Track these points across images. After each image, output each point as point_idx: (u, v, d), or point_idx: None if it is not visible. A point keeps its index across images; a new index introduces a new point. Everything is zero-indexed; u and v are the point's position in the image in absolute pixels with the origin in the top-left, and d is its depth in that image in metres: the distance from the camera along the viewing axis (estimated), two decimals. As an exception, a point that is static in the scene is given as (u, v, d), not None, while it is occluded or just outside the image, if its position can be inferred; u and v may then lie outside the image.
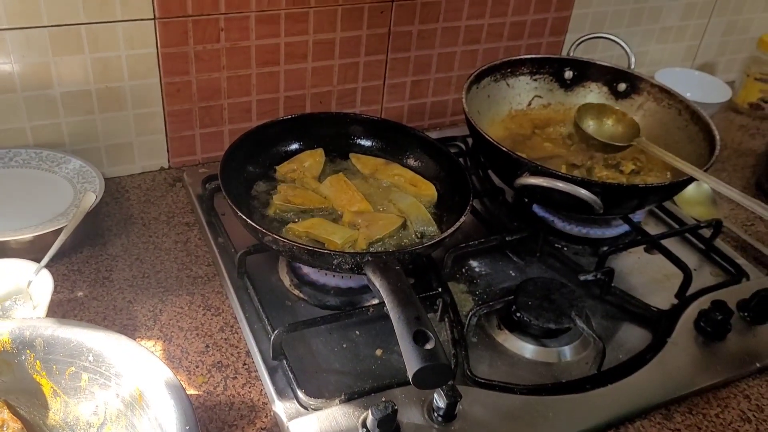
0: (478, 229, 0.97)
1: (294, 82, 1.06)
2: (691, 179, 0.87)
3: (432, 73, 1.17)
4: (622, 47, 1.09)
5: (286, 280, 0.85)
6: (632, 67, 1.09)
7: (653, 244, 0.94)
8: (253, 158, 0.91)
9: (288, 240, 0.74)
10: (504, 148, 0.86)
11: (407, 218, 0.86)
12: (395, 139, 0.98)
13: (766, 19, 1.46)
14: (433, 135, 1.18)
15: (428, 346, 0.57)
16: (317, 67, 1.07)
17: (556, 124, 1.09)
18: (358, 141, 0.99)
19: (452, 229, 0.80)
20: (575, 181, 0.81)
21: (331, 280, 0.84)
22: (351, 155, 0.98)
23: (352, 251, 0.80)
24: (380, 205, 0.89)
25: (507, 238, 0.91)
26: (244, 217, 0.76)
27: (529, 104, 1.10)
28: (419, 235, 0.85)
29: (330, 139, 0.97)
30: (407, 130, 0.98)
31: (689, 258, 0.98)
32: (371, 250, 0.81)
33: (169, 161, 1.04)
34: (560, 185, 0.79)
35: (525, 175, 0.83)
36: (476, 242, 0.90)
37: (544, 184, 0.80)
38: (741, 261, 0.96)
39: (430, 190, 0.92)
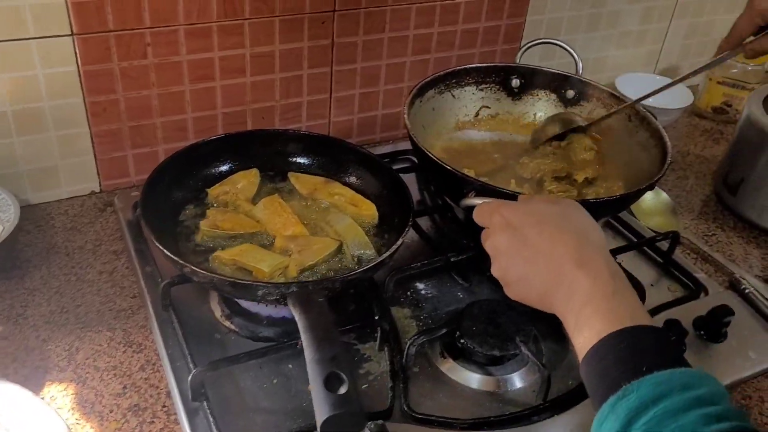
0: (425, 249, 0.92)
1: (232, 97, 1.01)
2: (644, 190, 0.83)
3: (381, 84, 1.13)
4: (569, 52, 1.05)
5: (217, 311, 0.80)
6: (580, 72, 1.05)
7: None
8: (182, 181, 0.86)
9: (207, 272, 0.69)
10: (448, 167, 0.81)
11: (343, 241, 0.81)
12: (336, 156, 0.93)
13: (728, 21, 1.42)
14: (386, 149, 1.14)
15: (341, 391, 0.52)
16: (257, 82, 1.02)
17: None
18: (297, 159, 0.94)
19: (388, 252, 0.75)
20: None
21: (263, 309, 0.79)
22: (290, 174, 0.93)
23: (277, 281, 0.75)
24: (317, 227, 0.84)
25: (452, 259, 0.87)
26: (160, 246, 0.70)
27: (477, 115, 1.05)
28: (356, 260, 0.81)
29: (266, 158, 0.92)
30: (348, 147, 0.93)
31: (647, 273, 0.94)
32: (303, 277, 0.76)
33: (100, 184, 0.98)
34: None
35: (470, 195, 0.78)
36: (419, 264, 0.85)
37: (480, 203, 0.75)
38: (700, 275, 0.92)
39: (370, 210, 0.87)
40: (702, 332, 0.82)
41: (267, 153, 0.92)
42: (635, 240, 0.97)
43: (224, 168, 0.90)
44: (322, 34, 1.03)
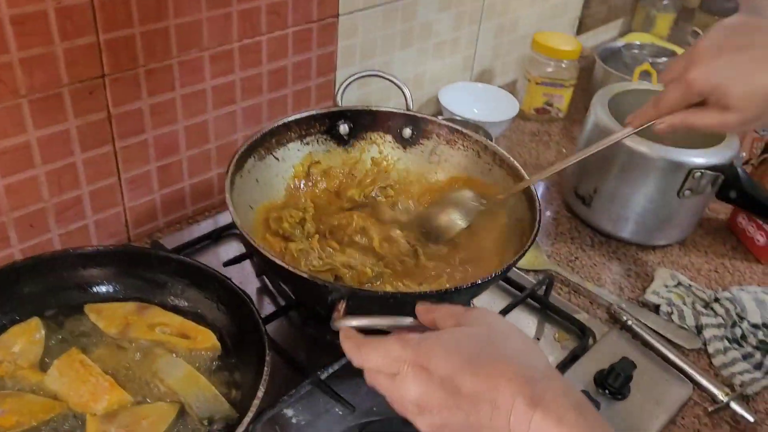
0: (285, 369, 0.73)
1: (-19, 212, 0.74)
2: (507, 270, 0.71)
3: (182, 151, 0.91)
4: (394, 83, 0.92)
5: None
6: (410, 105, 0.93)
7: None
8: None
9: None
10: (299, 273, 0.64)
11: (184, 401, 0.61)
12: (144, 272, 0.72)
13: (533, 15, 1.39)
14: (204, 227, 0.94)
15: None
16: (13, 184, 0.76)
17: (349, 188, 0.90)
18: (93, 288, 0.71)
19: (250, 416, 0.56)
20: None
21: None
22: (87, 308, 0.70)
23: None
24: (142, 385, 0.63)
25: (323, 376, 0.70)
26: None
27: (308, 174, 0.88)
28: (206, 423, 0.61)
29: (46, 294, 0.68)
30: (156, 256, 0.72)
31: (529, 323, 0.85)
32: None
33: None
34: (384, 322, 0.58)
35: (341, 310, 0.61)
36: (285, 397, 0.68)
37: (369, 324, 0.59)
38: (581, 315, 0.85)
39: (208, 341, 0.67)
40: (606, 390, 0.75)
41: (46, 287, 0.69)
42: (517, 293, 0.86)
43: (-13, 328, 0.65)
44: (93, 107, 0.79)
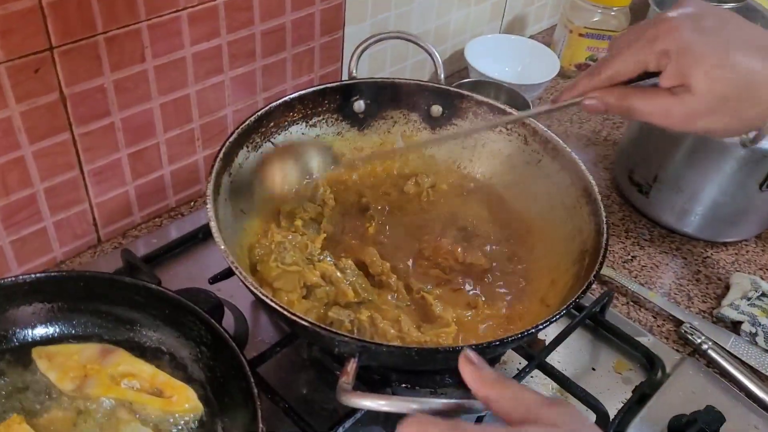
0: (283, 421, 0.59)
1: None
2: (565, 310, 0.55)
3: (159, 134, 0.75)
4: (423, 48, 0.75)
5: None
6: (441, 77, 0.76)
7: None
8: None
9: None
10: (302, 321, 0.49)
11: (155, 490, 0.48)
12: (105, 305, 0.57)
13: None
14: (188, 223, 0.79)
15: None
16: (-58, 188, 0.60)
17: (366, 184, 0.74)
18: (34, 328, 0.56)
19: None
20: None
21: None
22: (34, 351, 0.55)
23: None
24: (102, 465, 0.49)
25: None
26: None
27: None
28: None
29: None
30: (120, 283, 0.57)
31: (581, 350, 0.70)
32: None
33: None
34: (404, 406, 0.44)
35: (350, 373, 0.47)
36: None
37: (385, 407, 0.44)
38: (646, 338, 0.70)
39: (186, 401, 0.53)
40: (685, 444, 0.61)
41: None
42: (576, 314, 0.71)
43: None
44: (40, 88, 0.62)
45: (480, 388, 0.39)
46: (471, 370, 0.39)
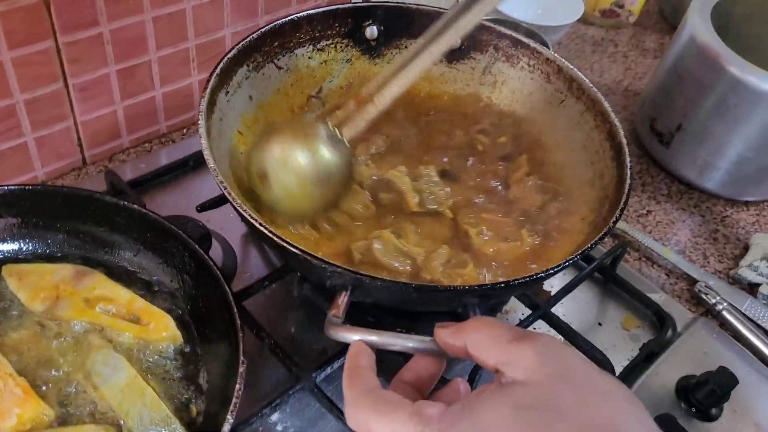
0: (269, 361, 0.55)
1: None
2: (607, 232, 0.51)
3: (151, 51, 0.70)
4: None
5: None
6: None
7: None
8: None
9: None
10: (294, 249, 0.45)
11: (122, 419, 0.44)
12: (85, 225, 0.53)
13: None
14: (179, 150, 0.74)
15: None
16: None
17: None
18: (3, 242, 0.52)
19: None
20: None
21: None
22: (4, 269, 0.51)
23: None
24: (70, 391, 0.46)
25: (317, 379, 0.53)
26: None
27: (319, 93, 0.67)
28: (154, 454, 0.44)
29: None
30: (103, 202, 0.53)
31: (588, 303, 0.66)
32: None
33: None
34: (395, 342, 0.40)
35: (340, 305, 0.43)
36: (266, 406, 0.50)
37: (375, 342, 0.40)
38: (658, 295, 0.66)
39: (164, 329, 0.49)
40: (692, 407, 0.57)
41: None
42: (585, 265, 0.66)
43: None
44: (20, -13, 0.57)
45: (452, 338, 0.37)
46: (447, 330, 0.37)
